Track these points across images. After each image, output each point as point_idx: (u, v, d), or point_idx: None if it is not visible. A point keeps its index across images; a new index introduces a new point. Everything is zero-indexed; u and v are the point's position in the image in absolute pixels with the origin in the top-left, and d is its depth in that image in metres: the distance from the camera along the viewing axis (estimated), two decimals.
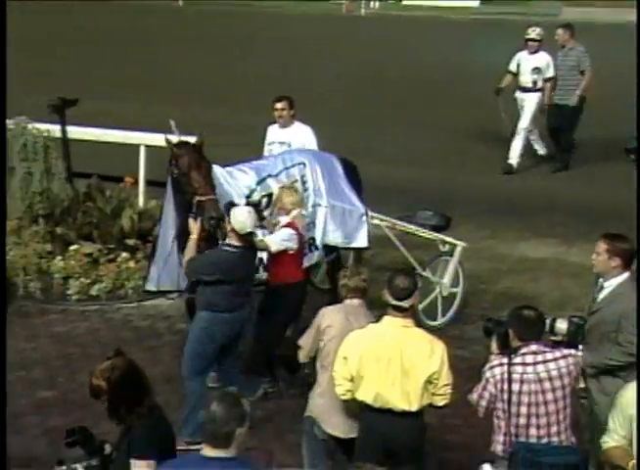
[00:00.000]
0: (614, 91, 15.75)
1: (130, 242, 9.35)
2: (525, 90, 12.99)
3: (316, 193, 8.10)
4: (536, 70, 12.82)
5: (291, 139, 9.06)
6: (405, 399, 5.24)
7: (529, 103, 12.94)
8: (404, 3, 37.00)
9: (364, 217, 8.30)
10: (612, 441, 4.84)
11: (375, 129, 15.31)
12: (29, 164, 9.74)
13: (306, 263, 7.98)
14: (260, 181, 7.85)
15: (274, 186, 7.85)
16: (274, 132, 9.31)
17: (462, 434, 6.67)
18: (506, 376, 5.07)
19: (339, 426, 5.78)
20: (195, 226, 6.97)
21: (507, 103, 13.24)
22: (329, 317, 5.89)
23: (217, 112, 16.27)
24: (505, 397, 5.08)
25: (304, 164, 8.15)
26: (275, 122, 9.31)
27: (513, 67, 13.15)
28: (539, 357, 5.12)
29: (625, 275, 5.65)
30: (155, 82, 19.21)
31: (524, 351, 5.13)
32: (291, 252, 7.36)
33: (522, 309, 5.23)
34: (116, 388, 4.47)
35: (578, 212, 11.60)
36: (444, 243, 8.75)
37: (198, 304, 7.02)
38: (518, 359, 5.11)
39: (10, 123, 9.83)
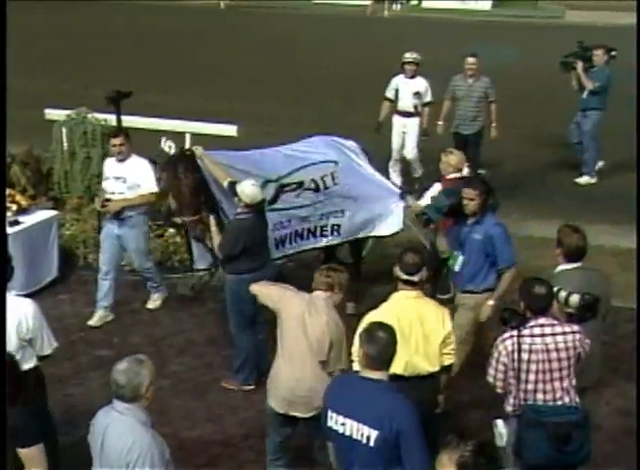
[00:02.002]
0: (617, 92, 15.54)
1: (177, 220, 9.40)
2: (407, 115, 11.45)
3: (349, 188, 8.00)
4: (417, 94, 11.32)
5: (127, 174, 8.03)
6: (428, 361, 5.31)
7: (412, 128, 11.46)
8: (424, 5, 36.72)
9: (397, 205, 8.20)
10: None
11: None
12: (89, 149, 9.85)
13: (322, 244, 8.07)
14: (292, 172, 7.77)
15: (304, 176, 7.83)
16: (111, 167, 8.18)
17: (472, 393, 6.71)
18: (516, 347, 5.06)
19: (275, 399, 5.60)
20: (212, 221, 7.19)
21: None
22: (290, 300, 5.63)
23: (251, 103, 16.34)
24: (515, 365, 5.08)
25: (336, 163, 8.03)
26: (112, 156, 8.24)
27: (390, 93, 11.50)
28: (547, 330, 5.08)
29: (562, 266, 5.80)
30: (199, 78, 19.26)
31: (532, 323, 5.10)
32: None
33: (533, 284, 5.14)
34: None
35: (579, 197, 11.61)
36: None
37: (225, 269, 7.15)
38: (526, 331, 5.08)
39: (72, 113, 9.95)
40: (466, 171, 8.11)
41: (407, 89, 11.38)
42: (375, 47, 23.60)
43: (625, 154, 12.52)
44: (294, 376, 5.45)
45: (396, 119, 11.57)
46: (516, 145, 13.56)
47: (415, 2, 37.78)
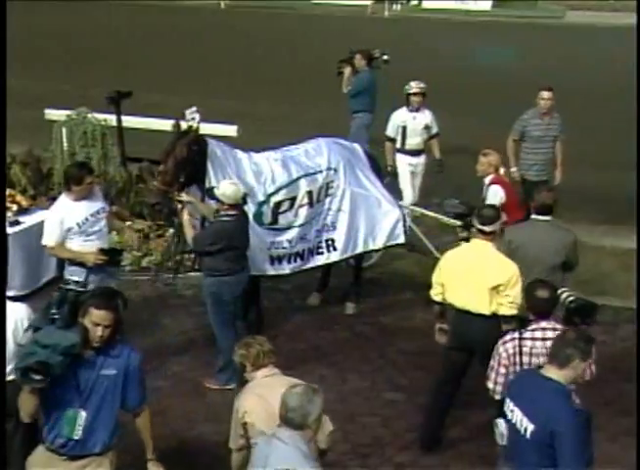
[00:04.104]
0: (617, 92, 15.58)
1: (177, 220, 9.40)
2: (416, 154, 10.07)
3: (342, 198, 7.94)
4: (426, 128, 10.01)
5: (103, 203, 7.13)
6: (480, 301, 5.91)
7: (421, 168, 10.17)
8: (424, 6, 36.77)
9: (398, 214, 8.10)
10: None
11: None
12: (89, 149, 9.86)
13: (321, 262, 8.00)
14: (287, 185, 7.67)
15: (298, 190, 7.70)
16: (77, 208, 6.89)
17: (481, 395, 6.70)
18: (517, 349, 5.07)
19: None
20: (185, 210, 7.12)
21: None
22: (246, 402, 4.74)
23: (251, 103, 16.35)
24: (517, 368, 5.07)
25: (335, 171, 7.93)
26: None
27: (392, 132, 10.01)
28: (549, 333, 5.05)
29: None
30: (199, 78, 19.26)
31: (533, 326, 5.11)
32: (503, 201, 7.74)
33: (536, 287, 5.16)
34: None
35: (579, 197, 11.60)
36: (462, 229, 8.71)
37: (203, 270, 7.16)
38: (527, 334, 5.09)
39: (72, 113, 9.96)
40: (502, 171, 8.09)
41: (417, 124, 10.01)
42: (375, 47, 23.58)
43: (626, 153, 12.52)
44: None
45: (404, 159, 10.06)
46: None
47: (415, 2, 37.83)
